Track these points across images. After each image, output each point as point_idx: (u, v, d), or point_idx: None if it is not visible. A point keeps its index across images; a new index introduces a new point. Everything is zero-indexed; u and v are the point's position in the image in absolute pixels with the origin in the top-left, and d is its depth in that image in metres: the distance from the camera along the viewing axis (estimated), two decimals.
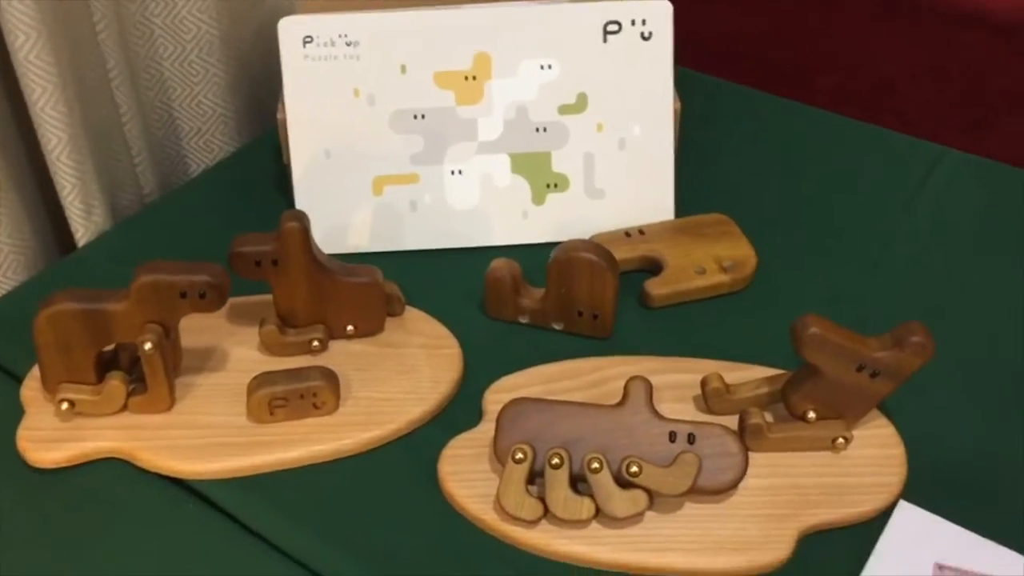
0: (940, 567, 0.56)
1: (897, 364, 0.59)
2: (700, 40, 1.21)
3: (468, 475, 0.61)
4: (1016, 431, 0.64)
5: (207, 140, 0.92)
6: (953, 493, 0.60)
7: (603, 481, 0.57)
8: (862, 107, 1.31)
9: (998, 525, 0.58)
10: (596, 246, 0.68)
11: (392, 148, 0.76)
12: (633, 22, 0.75)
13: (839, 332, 0.59)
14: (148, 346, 0.60)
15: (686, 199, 0.80)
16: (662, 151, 0.78)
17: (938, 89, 1.40)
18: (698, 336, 0.71)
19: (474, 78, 0.76)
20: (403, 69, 0.75)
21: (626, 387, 0.60)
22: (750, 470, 0.60)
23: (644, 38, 0.76)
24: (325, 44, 0.75)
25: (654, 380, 0.64)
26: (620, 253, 0.75)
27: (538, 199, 0.78)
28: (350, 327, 0.68)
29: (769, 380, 0.63)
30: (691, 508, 0.59)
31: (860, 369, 0.59)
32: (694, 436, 0.59)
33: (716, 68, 1.02)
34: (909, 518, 0.59)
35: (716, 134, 0.91)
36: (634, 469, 0.57)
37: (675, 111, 0.78)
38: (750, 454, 0.61)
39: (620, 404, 0.60)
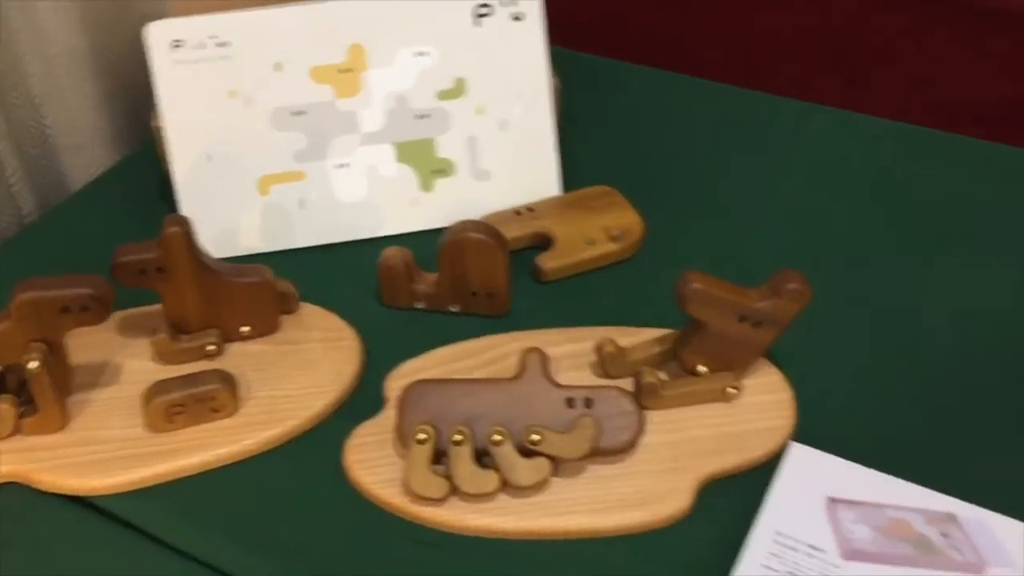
0: (832, 500, 0.59)
1: (777, 311, 0.61)
2: (589, 21, 1.23)
3: (374, 462, 0.61)
4: (894, 367, 0.68)
5: (87, 156, 0.90)
6: (842, 430, 0.63)
7: (506, 453, 0.58)
8: (747, 75, 1.35)
9: (885, 457, 0.61)
10: (484, 225, 0.69)
11: (274, 147, 0.76)
12: (504, 3, 0.76)
13: (719, 285, 0.61)
14: (33, 365, 0.59)
15: (574, 174, 0.82)
16: (543, 129, 0.79)
17: (813, 50, 1.44)
18: (593, 305, 0.73)
19: (350, 70, 0.76)
20: (278, 67, 0.75)
21: (521, 359, 0.61)
22: (649, 427, 0.62)
23: (516, 19, 0.77)
24: (195, 47, 0.74)
25: (552, 351, 0.66)
26: (511, 231, 0.76)
27: (426, 186, 0.79)
28: (245, 328, 0.68)
29: (660, 340, 0.65)
30: (594, 470, 0.60)
31: (742, 319, 0.62)
32: (591, 400, 0.60)
33: (605, 47, 1.04)
34: (801, 457, 0.61)
35: (599, 109, 0.93)
36: (535, 437, 0.58)
37: (554, 89, 0.80)
38: (648, 412, 0.63)
39: (517, 377, 0.61)
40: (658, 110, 0.93)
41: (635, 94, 0.96)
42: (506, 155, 0.79)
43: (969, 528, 0.57)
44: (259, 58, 0.75)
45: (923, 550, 0.56)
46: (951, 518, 0.58)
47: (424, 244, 0.73)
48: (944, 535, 0.57)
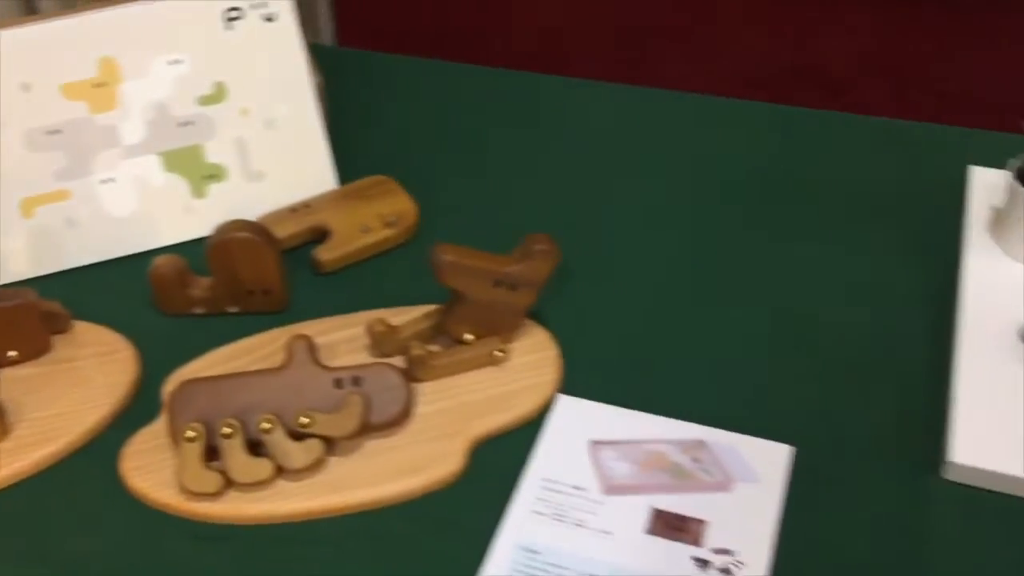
0: (595, 443, 0.63)
1: (529, 273, 0.65)
2: (384, 22, 1.25)
3: (151, 467, 0.61)
4: (650, 315, 0.72)
5: None
6: (606, 379, 0.67)
7: (276, 439, 0.59)
8: (536, 63, 1.39)
9: (645, 399, 0.66)
10: (248, 224, 0.70)
11: (32, 168, 0.75)
12: (253, 6, 0.77)
13: (471, 255, 0.64)
14: None
15: (351, 167, 0.83)
16: (311, 126, 0.81)
17: (598, 34, 1.51)
18: (373, 291, 0.75)
19: (104, 84, 0.75)
20: (25, 87, 0.74)
21: (287, 348, 0.63)
22: (422, 398, 0.64)
23: (268, 20, 0.78)
24: None
25: (329, 338, 0.67)
26: (287, 228, 0.77)
27: (198, 192, 0.79)
28: (12, 352, 0.67)
29: (428, 315, 0.68)
30: (371, 444, 0.62)
31: (498, 284, 0.65)
32: (359, 378, 0.62)
33: (397, 45, 1.06)
34: (566, 407, 0.65)
35: (374, 103, 0.95)
36: (304, 420, 0.60)
37: (318, 86, 0.81)
38: (421, 385, 0.65)
39: (284, 365, 0.62)
40: (431, 99, 0.96)
41: (408, 85, 0.98)
42: (277, 154, 0.80)
43: (718, 451, 0.62)
44: (4, 81, 0.73)
45: (677, 476, 0.61)
46: (701, 444, 0.63)
47: (202, 250, 0.74)
48: (695, 460, 0.62)
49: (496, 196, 0.84)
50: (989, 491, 0.59)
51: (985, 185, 0.77)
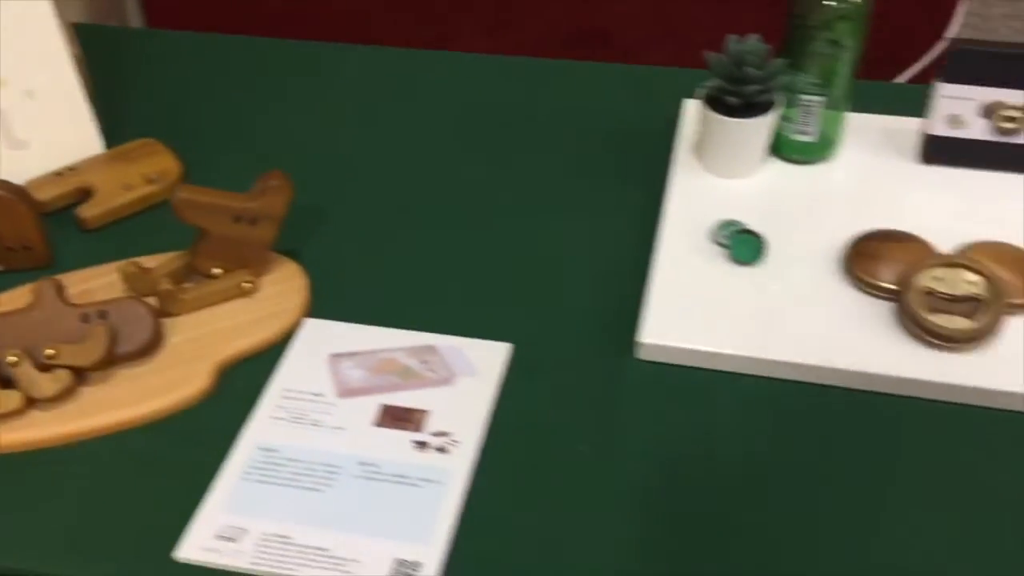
0: (334, 356, 0.69)
1: (266, 207, 0.71)
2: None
3: None
4: (389, 242, 0.79)
5: None
6: (351, 301, 0.74)
7: (23, 371, 0.64)
8: (345, 32, 1.44)
9: (385, 316, 0.72)
10: (2, 183, 0.74)
11: None
12: None
13: (207, 192, 0.69)
14: None
15: (122, 134, 0.88)
16: (71, 94, 0.84)
17: (401, 12, 1.57)
18: (139, 244, 0.79)
19: None
20: None
21: (34, 290, 0.67)
22: (174, 330, 0.70)
23: None
24: None
25: (89, 285, 0.72)
26: (51, 191, 0.81)
27: None
28: None
29: (179, 256, 0.73)
30: (122, 372, 0.67)
31: (238, 220, 0.70)
32: (105, 312, 0.67)
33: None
34: (311, 328, 0.71)
35: (151, 74, 0.99)
36: (50, 352, 0.64)
37: (76, 57, 0.85)
38: (176, 318, 0.70)
39: (32, 306, 0.67)
40: (204, 70, 1.00)
41: (185, 59, 1.02)
42: (39, 122, 0.83)
43: (445, 353, 0.70)
44: None
45: (405, 377, 0.68)
46: (431, 349, 0.70)
47: None
48: (424, 362, 0.69)
49: (259, 156, 0.89)
50: (677, 365, 0.69)
51: (694, 114, 0.87)
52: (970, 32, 1.74)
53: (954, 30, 1.42)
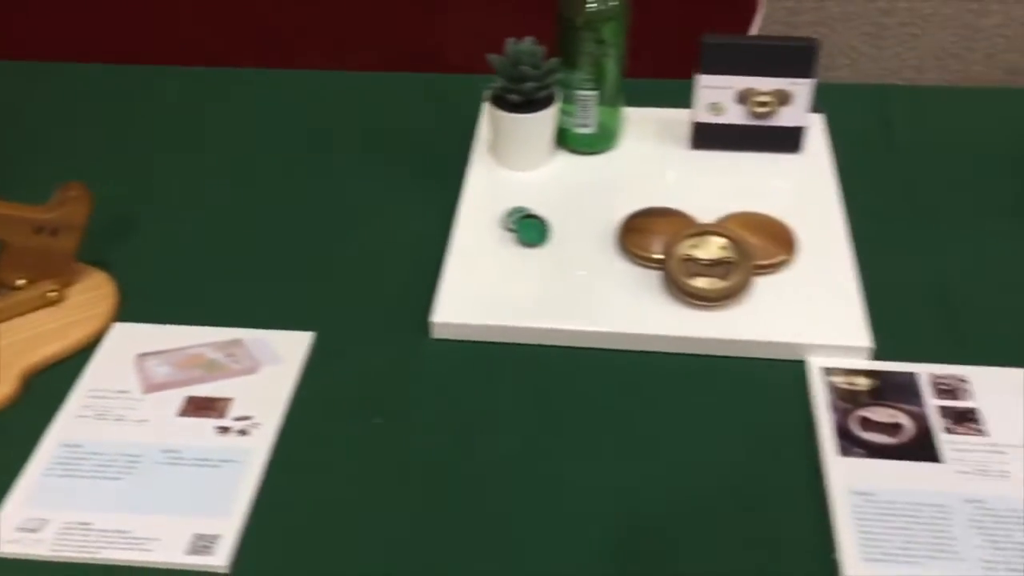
0: (141, 355, 0.72)
1: (66, 218, 0.73)
2: None
3: None
4: (200, 246, 0.83)
5: None
6: (162, 304, 0.76)
7: None
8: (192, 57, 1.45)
9: (195, 316, 0.76)
10: None
11: None
12: None
13: (6, 206, 0.71)
14: None
15: None
16: None
17: (242, 32, 1.59)
18: None
19: None
20: None
21: None
22: None
23: None
24: None
25: None
26: None
27: None
28: None
29: None
30: None
31: (39, 231, 0.72)
32: None
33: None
34: (119, 332, 0.74)
35: None
36: None
37: None
38: None
39: None
40: (15, 95, 1.02)
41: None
42: None
43: (250, 345, 0.73)
44: None
45: (210, 369, 0.71)
46: (237, 342, 0.73)
47: None
48: (230, 355, 0.72)
49: (69, 170, 0.90)
50: (469, 341, 0.74)
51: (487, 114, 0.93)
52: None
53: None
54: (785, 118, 0.86)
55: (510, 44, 0.82)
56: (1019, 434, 0.65)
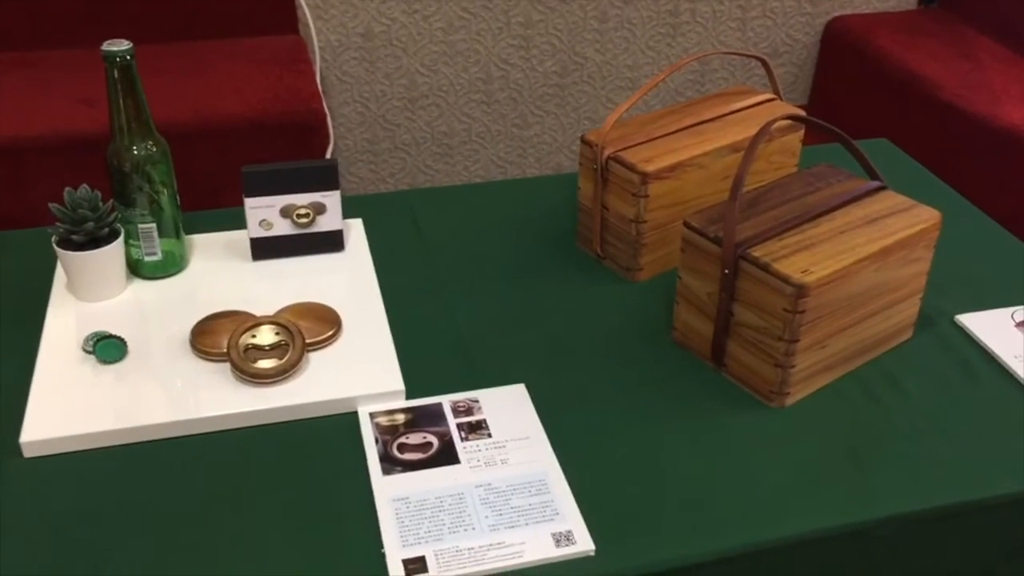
0: None
1: None
2: None
3: None
4: None
5: None
6: None
7: None
8: None
9: None
10: None
11: None
12: None
13: None
14: None
15: None
16: None
17: None
18: None
19: None
20: None
21: None
22: None
23: None
24: None
25: None
26: None
27: None
28: None
29: None
30: None
31: None
32: None
33: None
34: None
35: None
36: None
37: None
38: None
39: None
40: None
41: None
42: None
43: None
44: None
45: None
46: None
47: None
48: None
49: None
50: (63, 454, 0.82)
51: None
52: None
53: None
54: (324, 224, 1.04)
55: (67, 193, 0.93)
56: (514, 431, 0.86)
